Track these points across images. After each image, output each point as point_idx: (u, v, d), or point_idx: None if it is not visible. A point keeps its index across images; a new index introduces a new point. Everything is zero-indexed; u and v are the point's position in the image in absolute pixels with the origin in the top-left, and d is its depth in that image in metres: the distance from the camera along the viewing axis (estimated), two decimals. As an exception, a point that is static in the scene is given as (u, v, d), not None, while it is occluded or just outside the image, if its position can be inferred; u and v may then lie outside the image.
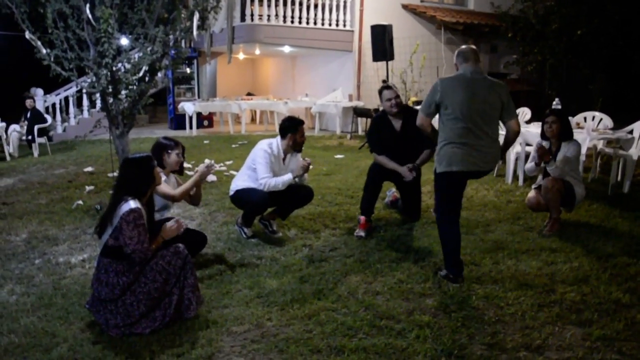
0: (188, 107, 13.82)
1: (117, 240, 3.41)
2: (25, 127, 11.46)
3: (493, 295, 3.95)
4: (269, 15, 13.49)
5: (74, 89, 13.42)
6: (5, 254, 4.94)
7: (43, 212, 6.35)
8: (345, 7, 14.18)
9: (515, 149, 7.36)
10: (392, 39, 11.33)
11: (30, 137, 11.25)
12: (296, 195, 5.36)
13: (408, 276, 4.31)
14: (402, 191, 5.96)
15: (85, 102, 14.06)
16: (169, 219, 4.49)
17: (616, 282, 4.16)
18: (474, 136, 4.11)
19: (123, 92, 6.50)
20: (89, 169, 8.98)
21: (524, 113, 9.23)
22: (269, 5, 13.45)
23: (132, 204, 3.40)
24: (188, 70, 15.66)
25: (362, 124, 13.77)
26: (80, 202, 6.67)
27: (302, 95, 15.63)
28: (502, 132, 4.57)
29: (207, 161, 5.39)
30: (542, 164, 5.39)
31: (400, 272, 4.39)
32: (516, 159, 7.52)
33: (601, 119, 7.95)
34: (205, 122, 15.43)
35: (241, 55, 16.79)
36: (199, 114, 14.14)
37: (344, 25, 14.23)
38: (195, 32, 6.83)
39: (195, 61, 15.63)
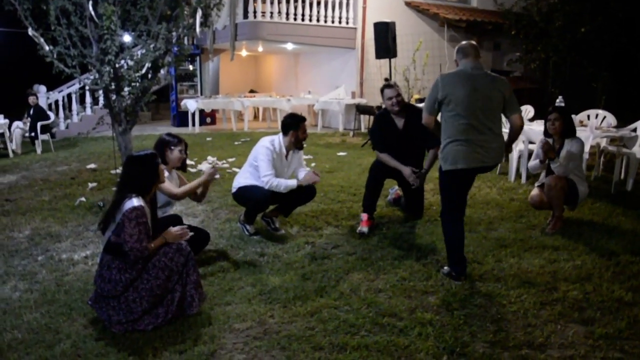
0: (191, 104, 13.82)
1: (119, 237, 3.42)
2: (28, 124, 11.49)
3: (495, 293, 3.95)
4: (271, 13, 13.48)
5: (77, 86, 13.45)
6: (8, 251, 4.96)
7: (46, 208, 6.37)
8: (348, 4, 14.16)
9: (518, 147, 7.35)
10: (395, 37, 11.32)
11: (33, 134, 11.28)
12: (299, 192, 5.36)
13: (410, 274, 4.31)
14: (405, 189, 5.95)
15: (88, 99, 14.07)
16: (172, 217, 4.52)
17: (619, 280, 4.16)
18: (477, 132, 4.09)
19: (126, 89, 6.52)
20: (92, 165, 8.99)
21: (527, 111, 9.23)
22: (271, 3, 13.44)
23: (136, 201, 3.41)
24: (191, 67, 15.65)
25: (365, 121, 13.76)
26: (83, 199, 6.68)
27: (304, 93, 15.63)
28: (505, 130, 4.57)
29: (210, 159, 5.40)
30: (546, 160, 5.38)
31: (402, 270, 4.39)
32: (519, 157, 7.51)
33: (604, 117, 7.94)
34: (208, 119, 15.43)
35: (244, 53, 16.79)
36: (201, 111, 14.14)
37: (347, 23, 14.22)
38: (198, 29, 6.85)
39: (197, 58, 15.62)
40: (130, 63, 6.52)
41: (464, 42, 4.31)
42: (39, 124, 11.26)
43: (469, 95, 4.06)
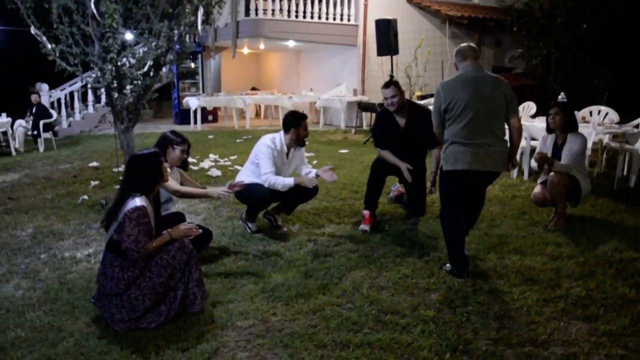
0: (192, 102, 13.81)
1: (120, 235, 3.42)
2: (30, 122, 11.51)
3: (498, 290, 3.95)
4: (273, 10, 13.48)
5: (79, 84, 13.45)
6: (11, 249, 4.96)
7: (49, 207, 6.37)
8: (349, 1, 14.15)
9: (520, 144, 7.33)
10: (397, 33, 11.30)
11: (35, 132, 11.30)
12: (301, 190, 5.35)
13: (413, 271, 4.31)
14: (407, 186, 5.94)
15: (90, 97, 14.08)
16: (175, 215, 4.52)
17: (622, 277, 4.15)
18: (479, 135, 4.08)
19: (128, 87, 6.52)
20: (94, 164, 8.99)
21: (529, 107, 9.21)
22: (273, 0, 13.43)
23: (138, 201, 3.40)
24: (192, 65, 15.65)
25: (367, 118, 13.75)
26: (86, 197, 6.69)
27: (306, 90, 15.61)
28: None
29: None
30: (544, 167, 5.38)
31: (405, 267, 4.39)
32: (521, 154, 7.49)
33: (607, 113, 7.92)
34: (210, 117, 15.42)
35: (245, 50, 16.79)
36: (203, 109, 14.14)
37: (349, 20, 14.21)
38: (199, 27, 6.83)
39: (199, 56, 15.61)
40: (132, 61, 6.51)
41: (462, 45, 4.31)
42: (41, 122, 11.28)
43: (471, 99, 4.05)
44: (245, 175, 5.24)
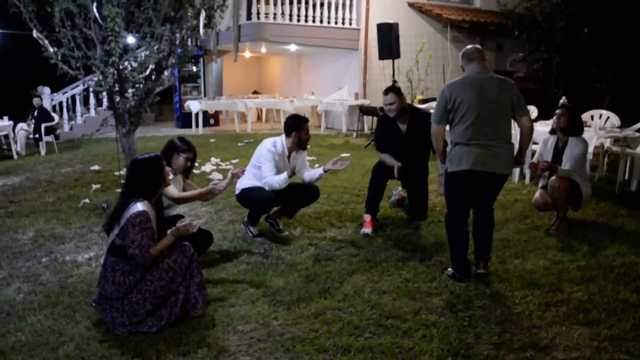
0: (194, 106, 13.82)
1: (123, 240, 3.42)
2: (32, 126, 11.52)
3: (500, 295, 3.94)
4: (275, 14, 13.48)
5: (81, 88, 13.44)
6: (12, 252, 4.96)
7: (50, 210, 6.38)
8: (351, 5, 14.15)
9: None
10: (398, 37, 11.30)
11: (37, 136, 11.30)
12: (302, 194, 5.36)
13: (414, 275, 4.31)
14: (409, 190, 5.94)
15: (92, 100, 14.09)
16: (175, 217, 4.51)
17: (624, 282, 4.14)
18: (485, 137, 4.03)
19: (130, 90, 6.52)
20: (96, 167, 9.00)
21: (531, 111, 9.20)
22: (275, 4, 13.44)
23: (140, 206, 3.40)
24: (194, 68, 15.66)
25: (368, 122, 13.75)
26: (87, 200, 6.69)
27: (308, 94, 15.61)
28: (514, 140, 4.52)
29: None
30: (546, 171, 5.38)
31: (406, 271, 4.38)
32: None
33: (608, 117, 7.92)
34: (212, 121, 15.42)
35: (247, 54, 16.79)
36: (205, 113, 14.14)
37: (350, 24, 14.21)
38: (201, 31, 6.84)
39: (201, 59, 15.63)
40: (134, 65, 6.52)
41: (468, 47, 4.27)
42: (43, 126, 11.28)
43: (477, 101, 4.01)
44: (247, 179, 5.24)
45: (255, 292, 4.02)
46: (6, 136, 11.06)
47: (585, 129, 6.84)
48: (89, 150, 11.24)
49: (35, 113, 11.55)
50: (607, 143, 7.55)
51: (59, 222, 5.88)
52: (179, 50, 6.95)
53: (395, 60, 11.51)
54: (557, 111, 5.48)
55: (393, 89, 5.55)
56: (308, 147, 5.49)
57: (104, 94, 6.75)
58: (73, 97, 14.06)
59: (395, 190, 6.46)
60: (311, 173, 5.38)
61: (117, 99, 6.49)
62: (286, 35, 13.64)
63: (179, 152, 4.52)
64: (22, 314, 3.71)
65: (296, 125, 5.18)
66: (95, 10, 6.13)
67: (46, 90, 13.30)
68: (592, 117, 8.09)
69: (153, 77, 6.62)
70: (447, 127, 4.28)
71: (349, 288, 4.08)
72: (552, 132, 5.56)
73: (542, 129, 6.48)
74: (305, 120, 5.27)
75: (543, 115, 9.32)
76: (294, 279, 4.25)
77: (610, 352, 3.19)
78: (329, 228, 5.59)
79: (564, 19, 12.95)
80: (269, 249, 4.99)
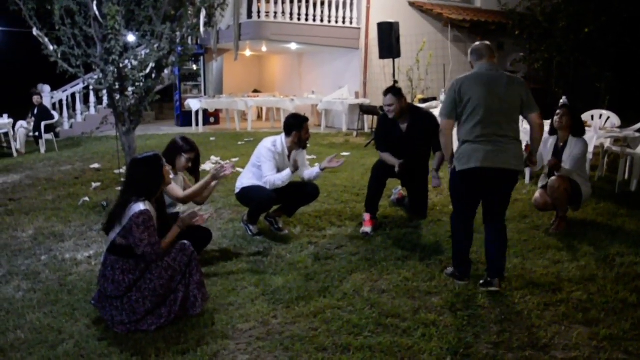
0: (194, 104, 13.82)
1: (126, 239, 3.42)
2: (32, 124, 11.51)
3: (499, 294, 3.94)
4: (275, 13, 13.48)
5: (81, 86, 13.45)
6: (11, 250, 4.96)
7: (49, 208, 6.38)
8: (352, 4, 14.14)
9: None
10: (399, 37, 11.30)
11: (37, 134, 11.30)
12: (302, 192, 5.36)
13: (414, 274, 4.31)
14: (409, 189, 5.94)
15: (92, 98, 14.09)
16: (176, 215, 4.52)
17: (623, 282, 4.15)
18: (493, 134, 3.96)
19: (130, 88, 6.52)
20: (96, 165, 9.00)
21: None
22: (275, 3, 13.44)
23: (142, 205, 3.40)
24: (194, 67, 15.64)
25: (369, 121, 13.74)
26: (87, 198, 6.69)
27: (308, 93, 15.61)
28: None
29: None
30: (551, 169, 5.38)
31: (406, 270, 4.38)
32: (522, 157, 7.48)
33: (608, 117, 7.92)
34: (212, 119, 15.41)
35: (248, 52, 16.79)
36: (205, 111, 14.14)
37: (351, 23, 14.20)
38: (202, 29, 6.83)
39: (201, 58, 15.61)
40: (134, 63, 6.51)
41: (477, 43, 4.19)
42: (43, 124, 11.28)
43: (486, 98, 3.94)
44: (247, 178, 5.24)
45: (255, 290, 4.03)
46: (6, 134, 11.06)
47: (586, 129, 6.85)
48: (89, 148, 11.24)
49: (35, 111, 11.55)
50: (607, 143, 7.55)
51: (58, 220, 5.88)
52: (180, 48, 6.94)
53: (396, 60, 11.50)
54: (558, 111, 5.48)
55: (392, 91, 5.54)
56: (308, 146, 5.49)
57: (104, 92, 6.74)
58: (73, 95, 14.06)
59: (395, 189, 6.46)
60: (310, 172, 5.38)
61: (117, 97, 6.48)
62: (287, 34, 13.63)
63: (181, 152, 4.51)
64: (21, 311, 3.71)
65: (296, 125, 5.18)
66: (95, 8, 6.12)
67: (46, 88, 13.30)
68: (592, 117, 8.09)
69: (153, 75, 6.61)
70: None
71: (349, 287, 4.08)
72: (552, 132, 5.56)
73: (543, 128, 6.47)
74: (305, 119, 5.27)
75: (543, 115, 9.29)
76: (294, 277, 4.25)
77: (609, 351, 3.19)
78: (328, 227, 5.59)
79: (565, 19, 12.95)
80: (268, 247, 4.99)
